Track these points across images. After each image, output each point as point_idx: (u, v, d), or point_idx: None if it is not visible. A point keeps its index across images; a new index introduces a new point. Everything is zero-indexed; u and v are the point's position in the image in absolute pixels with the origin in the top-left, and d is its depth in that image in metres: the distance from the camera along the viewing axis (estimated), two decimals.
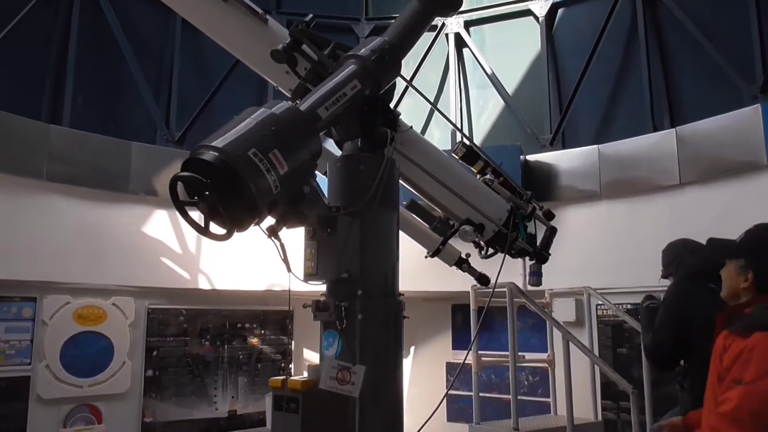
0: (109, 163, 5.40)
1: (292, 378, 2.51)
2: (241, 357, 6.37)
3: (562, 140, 6.69)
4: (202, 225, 2.18)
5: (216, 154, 2.05)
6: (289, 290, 2.49)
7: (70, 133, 5.39)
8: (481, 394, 4.80)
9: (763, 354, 2.03)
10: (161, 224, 5.55)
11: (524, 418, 4.69)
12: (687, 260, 3.56)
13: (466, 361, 4.67)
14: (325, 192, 2.65)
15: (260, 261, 5.40)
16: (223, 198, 2.04)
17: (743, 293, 2.30)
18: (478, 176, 3.34)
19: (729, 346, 2.17)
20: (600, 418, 5.03)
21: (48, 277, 4.98)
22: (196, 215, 2.20)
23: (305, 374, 2.63)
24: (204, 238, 6.16)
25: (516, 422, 4.35)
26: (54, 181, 5.02)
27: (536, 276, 3.52)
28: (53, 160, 5.03)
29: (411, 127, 2.99)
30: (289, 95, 2.73)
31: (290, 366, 6.62)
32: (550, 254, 3.44)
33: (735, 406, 2.01)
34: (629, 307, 5.02)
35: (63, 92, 6.23)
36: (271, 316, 6.62)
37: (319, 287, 2.70)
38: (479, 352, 4.70)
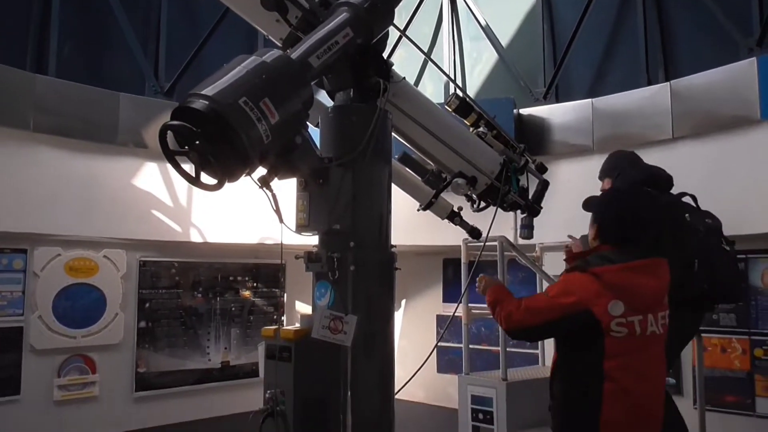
0: (97, 115, 5.31)
1: (284, 327, 2.54)
2: (233, 309, 6.43)
3: (555, 94, 6.63)
4: (193, 175, 2.16)
5: (206, 102, 2.02)
6: (281, 242, 2.49)
7: (57, 83, 5.29)
8: (470, 346, 4.87)
9: (570, 283, 2.58)
10: (151, 177, 5.51)
11: (513, 369, 4.77)
12: (627, 171, 3.85)
13: (456, 314, 4.73)
14: (318, 144, 2.63)
15: (252, 214, 5.39)
16: (214, 147, 2.02)
17: (593, 243, 2.76)
18: (471, 129, 3.31)
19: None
20: None
21: (37, 228, 4.96)
22: (189, 167, 2.18)
23: (297, 325, 2.66)
24: (195, 192, 6.15)
25: (505, 373, 4.43)
26: (41, 132, 4.94)
27: (527, 229, 3.54)
28: (39, 110, 4.94)
29: (404, 78, 2.95)
30: (279, 45, 2.68)
31: (282, 318, 6.69)
32: (541, 207, 3.45)
33: (524, 301, 2.67)
34: None
35: (48, 41, 6.09)
36: (264, 269, 6.65)
37: (311, 241, 2.71)
38: (469, 304, 4.74)
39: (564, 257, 3.28)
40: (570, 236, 3.52)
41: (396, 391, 2.76)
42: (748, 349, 4.75)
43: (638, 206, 2.71)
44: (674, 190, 4.02)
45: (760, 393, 4.68)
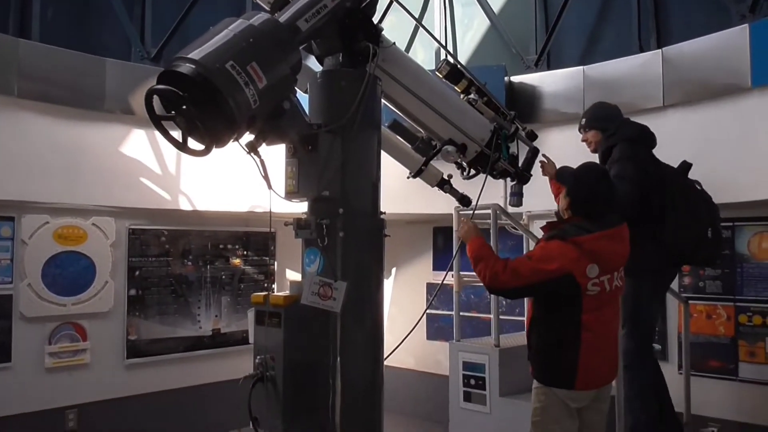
0: (83, 81, 5.22)
1: (274, 294, 2.55)
2: (224, 277, 6.44)
3: (547, 61, 6.58)
4: (180, 141, 2.15)
5: (192, 66, 2.00)
6: (270, 209, 2.49)
7: (41, 48, 5.18)
8: (460, 314, 4.92)
9: (551, 251, 2.88)
10: (139, 144, 5.45)
11: (504, 335, 4.83)
12: (624, 129, 3.96)
13: (448, 282, 4.75)
14: (306, 111, 2.61)
15: (242, 182, 5.36)
16: (201, 112, 2.00)
17: (565, 213, 3.11)
18: (462, 96, 3.29)
19: (537, 245, 3.14)
20: None
21: (24, 196, 4.91)
22: (177, 134, 2.16)
23: (287, 292, 2.67)
24: (184, 159, 6.09)
25: (497, 339, 4.48)
26: (25, 98, 4.86)
27: (517, 196, 3.55)
28: (23, 76, 4.84)
29: (394, 43, 2.92)
30: (267, 8, 2.64)
31: (273, 286, 6.71)
32: (531, 175, 3.45)
33: (509, 263, 2.92)
34: None
35: (30, 5, 5.97)
36: (254, 238, 6.65)
37: (302, 208, 2.70)
38: (461, 272, 4.77)
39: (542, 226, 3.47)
40: (544, 155, 3.84)
41: (385, 356, 2.79)
42: (733, 315, 4.82)
43: (607, 187, 3.09)
44: (663, 157, 4.07)
45: (743, 358, 4.77)
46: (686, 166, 3.95)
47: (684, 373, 4.45)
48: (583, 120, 4.19)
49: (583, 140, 4.22)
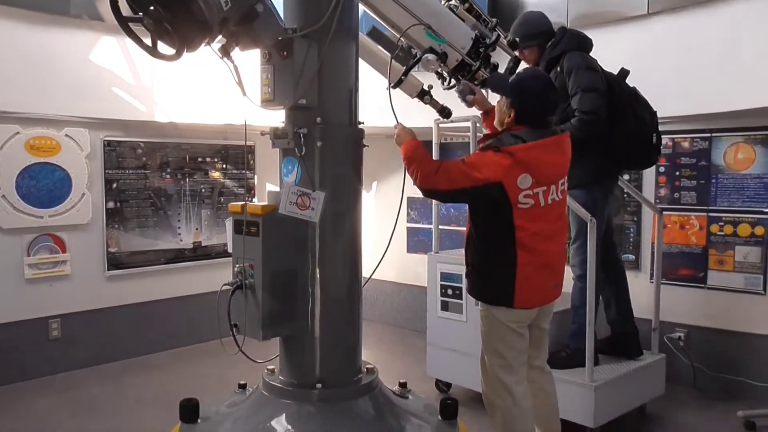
0: None
1: (251, 203, 2.54)
2: (203, 190, 6.40)
3: None
4: (150, 44, 2.07)
5: None
6: (245, 122, 2.44)
7: None
8: (440, 227, 4.98)
9: (484, 159, 2.80)
10: (111, 52, 5.24)
11: None
12: (570, 37, 3.99)
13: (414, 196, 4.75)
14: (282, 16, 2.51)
15: (219, 95, 5.23)
16: (170, 13, 1.91)
17: (506, 124, 2.97)
18: (443, 1, 3.19)
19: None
20: None
21: None
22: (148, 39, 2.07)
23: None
24: (158, 69, 5.85)
25: None
26: None
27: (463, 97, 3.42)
28: None
29: None
30: None
31: (253, 199, 6.70)
32: None
33: (442, 165, 2.89)
34: None
35: None
36: (233, 151, 6.57)
37: (279, 119, 2.65)
38: None
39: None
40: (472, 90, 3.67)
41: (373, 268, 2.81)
42: (705, 225, 4.93)
43: (555, 96, 3.03)
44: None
45: (712, 266, 4.92)
46: (625, 72, 3.99)
47: (655, 282, 4.59)
48: (517, 39, 4.07)
49: (519, 57, 4.11)
